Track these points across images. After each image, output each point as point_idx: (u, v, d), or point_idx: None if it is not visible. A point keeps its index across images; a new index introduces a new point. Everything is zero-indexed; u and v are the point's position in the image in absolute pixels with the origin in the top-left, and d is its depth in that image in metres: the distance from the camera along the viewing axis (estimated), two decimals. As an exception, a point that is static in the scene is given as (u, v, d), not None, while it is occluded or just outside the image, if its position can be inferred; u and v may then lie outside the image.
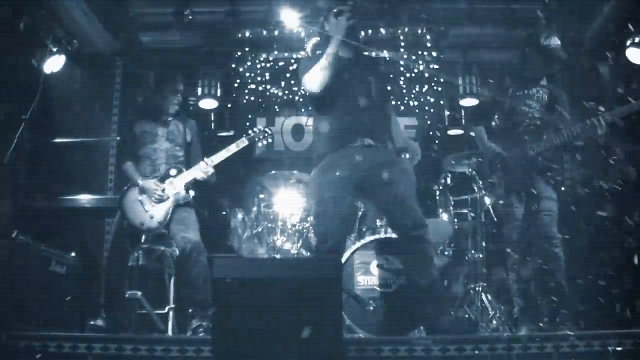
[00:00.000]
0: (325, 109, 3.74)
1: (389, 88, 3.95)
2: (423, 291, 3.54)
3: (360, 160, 3.59)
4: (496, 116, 4.34)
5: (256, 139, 4.58)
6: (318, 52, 3.84)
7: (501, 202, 4.26)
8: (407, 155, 3.84)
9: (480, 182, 4.97)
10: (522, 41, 4.49)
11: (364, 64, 3.85)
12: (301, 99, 6.94)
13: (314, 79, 3.66)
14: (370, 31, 6.32)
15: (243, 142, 4.48)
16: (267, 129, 4.64)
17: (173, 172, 4.36)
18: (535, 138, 4.12)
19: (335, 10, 3.73)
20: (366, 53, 4.03)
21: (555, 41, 4.16)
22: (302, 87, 3.82)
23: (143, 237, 4.34)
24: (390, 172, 3.59)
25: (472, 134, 4.43)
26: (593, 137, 3.95)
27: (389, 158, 3.68)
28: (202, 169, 4.36)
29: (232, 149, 4.44)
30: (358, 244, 4.62)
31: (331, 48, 3.67)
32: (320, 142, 3.77)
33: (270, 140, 4.71)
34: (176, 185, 4.32)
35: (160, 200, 4.27)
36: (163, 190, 4.27)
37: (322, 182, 3.64)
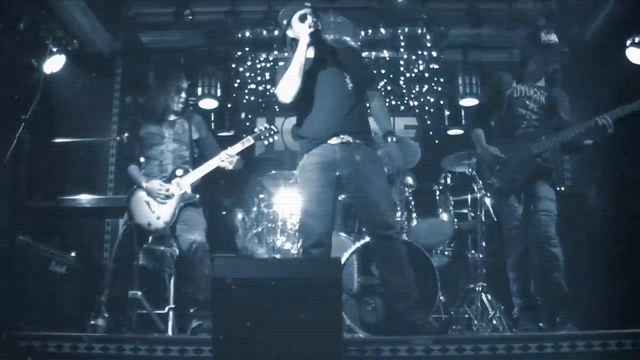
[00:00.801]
0: (302, 109, 3.77)
1: (365, 78, 3.89)
2: (394, 288, 3.57)
3: (338, 157, 3.62)
4: (495, 119, 4.31)
5: (262, 137, 4.48)
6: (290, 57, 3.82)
7: (501, 202, 4.25)
8: (394, 139, 3.74)
9: (480, 182, 4.97)
10: (523, 40, 4.46)
11: (336, 60, 3.80)
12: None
13: (284, 91, 3.69)
14: (370, 31, 6.33)
15: (249, 141, 4.40)
16: (273, 127, 4.53)
17: (179, 172, 4.32)
18: (534, 140, 4.10)
19: (299, 15, 3.73)
20: (338, 48, 3.98)
21: (554, 37, 4.17)
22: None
23: (150, 237, 4.31)
24: (366, 170, 3.62)
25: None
26: (602, 135, 3.93)
27: (366, 155, 3.66)
28: (226, 159, 4.26)
29: (238, 147, 4.35)
30: (358, 244, 4.63)
31: (296, 58, 3.67)
32: (299, 140, 3.81)
33: (276, 137, 4.59)
34: (182, 185, 4.29)
35: (166, 199, 4.25)
36: (167, 190, 4.25)
37: (302, 180, 3.71)
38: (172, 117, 4.50)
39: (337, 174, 3.64)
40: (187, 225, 4.21)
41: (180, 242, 4.22)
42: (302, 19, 3.70)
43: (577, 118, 4.14)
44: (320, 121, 3.69)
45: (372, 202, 3.60)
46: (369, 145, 3.73)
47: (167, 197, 4.24)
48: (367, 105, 3.88)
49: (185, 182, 4.29)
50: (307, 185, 3.65)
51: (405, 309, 3.52)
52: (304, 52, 3.66)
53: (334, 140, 3.65)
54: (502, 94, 4.20)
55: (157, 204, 4.26)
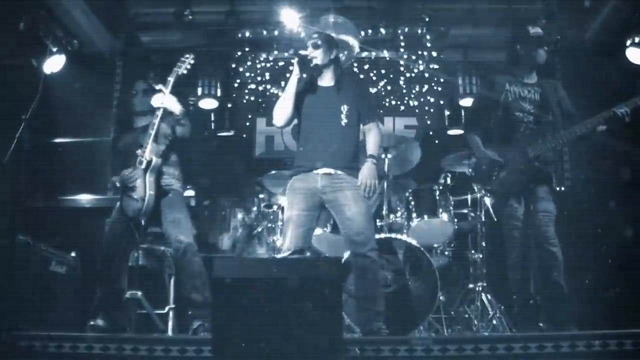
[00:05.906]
0: (295, 132, 4.03)
1: (364, 114, 4.00)
2: (359, 301, 3.84)
3: (319, 185, 3.86)
4: (492, 122, 4.28)
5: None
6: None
7: (501, 203, 4.24)
8: (374, 161, 3.87)
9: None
10: (511, 37, 4.43)
11: (337, 96, 3.95)
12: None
13: (276, 116, 4.06)
14: (370, 31, 6.33)
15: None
16: None
17: (140, 153, 4.13)
18: (532, 142, 4.08)
19: (312, 42, 3.97)
20: (345, 82, 4.06)
21: (539, 30, 4.16)
22: None
23: (143, 221, 4.12)
24: (345, 197, 3.83)
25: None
26: (617, 125, 3.93)
27: (344, 184, 3.85)
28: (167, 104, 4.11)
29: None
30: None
31: (289, 85, 3.92)
32: (294, 161, 4.04)
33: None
34: (146, 155, 4.09)
35: (135, 179, 4.11)
36: (133, 176, 4.11)
37: (288, 200, 3.95)
38: (142, 122, 4.34)
39: (320, 198, 3.87)
40: (175, 226, 4.16)
41: (169, 241, 4.20)
42: (315, 46, 3.94)
43: (579, 114, 4.12)
44: (309, 152, 3.92)
45: (354, 223, 3.81)
46: (350, 175, 3.88)
47: (135, 177, 4.10)
48: (361, 138, 4.04)
49: (147, 152, 4.10)
50: (291, 206, 3.90)
51: (365, 319, 3.78)
52: (294, 81, 3.89)
53: (318, 171, 3.86)
54: (497, 97, 4.18)
55: (134, 190, 4.09)
